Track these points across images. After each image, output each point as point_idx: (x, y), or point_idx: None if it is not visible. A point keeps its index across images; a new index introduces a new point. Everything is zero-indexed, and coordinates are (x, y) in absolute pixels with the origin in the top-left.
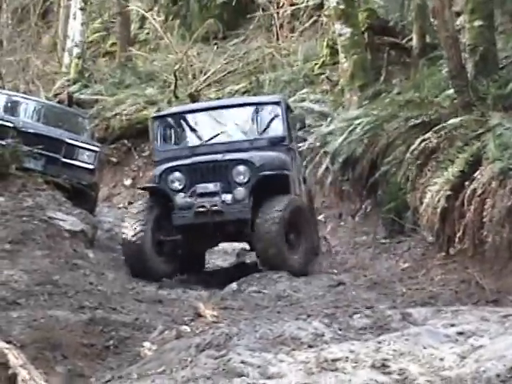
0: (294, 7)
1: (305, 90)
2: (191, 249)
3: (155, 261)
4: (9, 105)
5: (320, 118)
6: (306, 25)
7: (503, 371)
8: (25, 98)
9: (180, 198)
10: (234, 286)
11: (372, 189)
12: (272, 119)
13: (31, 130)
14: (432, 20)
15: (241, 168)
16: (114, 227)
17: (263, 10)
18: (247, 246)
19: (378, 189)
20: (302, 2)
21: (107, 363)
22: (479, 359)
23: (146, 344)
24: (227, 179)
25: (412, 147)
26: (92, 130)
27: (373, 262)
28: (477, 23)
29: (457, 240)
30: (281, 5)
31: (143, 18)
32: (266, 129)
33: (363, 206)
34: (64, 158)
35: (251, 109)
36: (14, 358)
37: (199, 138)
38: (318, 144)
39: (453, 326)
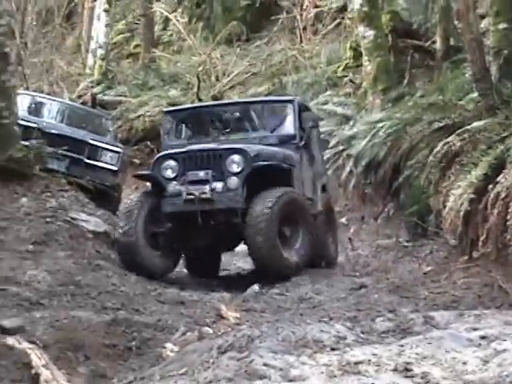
0: (317, 9)
1: (328, 93)
2: (186, 241)
3: (149, 255)
4: (33, 106)
5: (343, 121)
6: (330, 27)
7: None
8: (49, 99)
9: (171, 186)
10: (256, 288)
11: (395, 192)
12: (283, 118)
13: (55, 131)
14: (456, 22)
15: (235, 157)
16: None
17: (287, 12)
18: None
19: (401, 192)
20: (326, 5)
21: (129, 364)
22: (502, 363)
23: (168, 345)
24: (221, 168)
25: (435, 150)
26: (115, 132)
27: (395, 265)
28: (501, 26)
29: (480, 243)
30: (304, 7)
31: (167, 20)
32: (276, 127)
33: (386, 209)
34: (87, 159)
35: (263, 107)
36: (37, 358)
37: (209, 134)
38: (341, 147)
39: (476, 329)
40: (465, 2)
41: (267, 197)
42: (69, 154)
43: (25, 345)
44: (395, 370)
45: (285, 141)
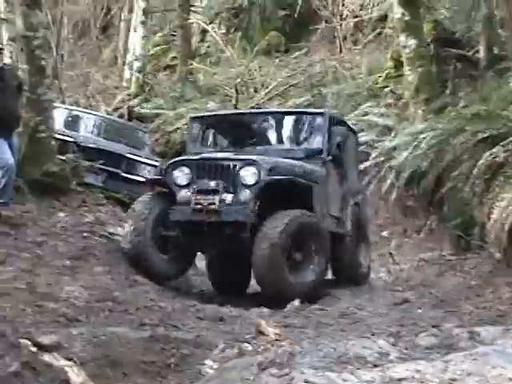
0: (357, 19)
1: (368, 104)
2: (194, 250)
3: (156, 258)
4: (69, 119)
5: (384, 132)
6: (370, 37)
7: None
8: (85, 113)
9: (182, 193)
10: (296, 303)
11: (437, 204)
12: (312, 131)
13: (92, 145)
14: (500, 31)
15: (248, 169)
16: None
17: (326, 22)
18: None
19: (444, 204)
20: (366, 14)
21: (168, 381)
22: None
23: (208, 362)
24: (233, 179)
25: (479, 162)
26: (152, 145)
27: (439, 279)
28: None
29: None
30: (344, 17)
31: (204, 32)
32: (304, 140)
33: (428, 222)
34: (124, 173)
35: (292, 118)
36: (75, 375)
37: (235, 143)
38: (382, 159)
39: None
40: (509, 10)
41: (278, 221)
42: (106, 168)
43: (62, 362)
44: None
45: (311, 155)
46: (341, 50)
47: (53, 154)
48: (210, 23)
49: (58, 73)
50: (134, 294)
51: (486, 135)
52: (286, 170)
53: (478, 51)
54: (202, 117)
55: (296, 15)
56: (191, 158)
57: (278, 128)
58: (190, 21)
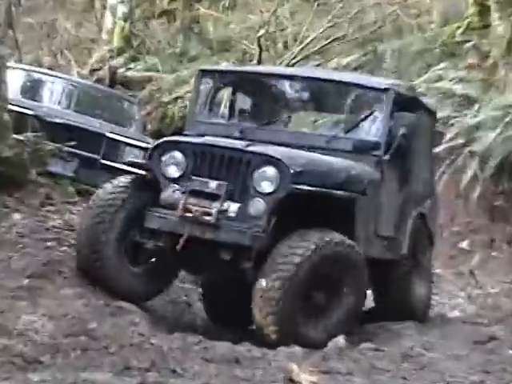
0: None
1: (442, 65)
2: (176, 267)
3: (122, 272)
4: (28, 85)
5: (463, 105)
6: None
7: None
8: (50, 76)
9: (169, 190)
10: (340, 341)
11: None
12: (368, 114)
13: (59, 121)
14: None
15: (267, 170)
16: None
17: None
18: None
19: None
20: None
21: None
22: None
23: None
24: (244, 182)
25: None
26: (143, 120)
27: None
28: None
29: None
30: None
31: None
32: (354, 126)
33: None
34: (103, 158)
35: (341, 91)
36: None
37: (258, 116)
38: (460, 141)
39: None
40: None
41: (294, 247)
42: (78, 151)
43: None
44: None
45: (362, 149)
46: None
47: (6, 133)
48: None
49: (12, 20)
50: (117, 325)
51: None
52: (319, 175)
53: None
54: (216, 72)
55: None
56: (189, 140)
57: (323, 103)
58: None
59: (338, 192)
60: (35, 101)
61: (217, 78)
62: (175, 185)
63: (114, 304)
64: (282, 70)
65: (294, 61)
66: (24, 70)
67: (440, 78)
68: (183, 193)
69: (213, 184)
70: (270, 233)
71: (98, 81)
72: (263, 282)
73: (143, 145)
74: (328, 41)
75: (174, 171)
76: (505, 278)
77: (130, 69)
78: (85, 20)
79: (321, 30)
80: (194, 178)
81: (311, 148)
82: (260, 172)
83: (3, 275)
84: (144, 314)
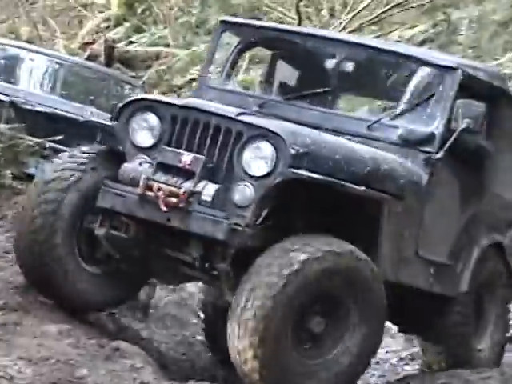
0: None
1: None
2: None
3: (75, 273)
4: (1, 63)
5: None
6: None
7: None
8: (29, 52)
9: (131, 163)
10: None
11: None
12: (424, 99)
13: (40, 109)
14: None
15: (262, 146)
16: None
17: None
18: None
19: None
20: None
21: None
22: None
23: None
24: (230, 158)
25: None
26: None
27: None
28: None
29: None
30: None
31: None
32: (405, 111)
33: None
34: None
35: (393, 65)
36: None
37: (283, 88)
38: None
39: None
40: None
41: (287, 253)
42: (64, 148)
43: None
44: None
45: (411, 141)
46: None
47: None
48: None
49: None
50: (113, 372)
51: None
52: (332, 162)
53: None
54: (242, 25)
55: None
56: (169, 101)
57: (372, 79)
58: None
59: (355, 187)
60: (10, 83)
61: (242, 33)
62: (145, 156)
63: (110, 345)
64: (321, 31)
65: (343, 31)
66: None
67: None
68: (150, 166)
69: (187, 157)
70: (259, 230)
71: (91, 58)
72: (241, 300)
73: None
74: (387, 7)
75: (144, 138)
76: None
77: (132, 42)
78: None
79: None
80: (165, 148)
81: (347, 134)
82: (251, 148)
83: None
84: (148, 358)
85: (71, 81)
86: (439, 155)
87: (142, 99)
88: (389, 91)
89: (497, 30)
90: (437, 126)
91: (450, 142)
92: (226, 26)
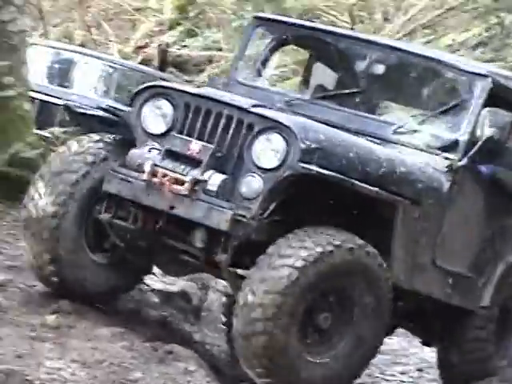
0: None
1: None
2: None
3: (83, 259)
4: (56, 67)
5: None
6: None
7: None
8: (84, 55)
9: (140, 150)
10: None
11: None
12: (453, 106)
13: (94, 112)
14: None
15: (273, 139)
16: None
17: None
18: None
19: None
20: None
21: None
22: None
23: None
24: (241, 149)
25: None
26: None
27: None
28: None
29: None
30: None
31: None
32: (431, 117)
33: None
34: None
35: (423, 69)
36: None
37: (320, 88)
38: None
39: None
40: None
41: (296, 247)
42: None
43: None
44: None
45: (435, 147)
46: None
47: (26, 127)
48: None
49: None
50: (167, 375)
51: None
52: (345, 159)
53: None
54: (276, 22)
55: None
56: (182, 87)
57: (400, 83)
58: None
59: (367, 187)
60: (64, 87)
61: (274, 30)
62: (155, 143)
63: (164, 348)
64: (353, 33)
65: (396, 36)
66: (50, 47)
67: None
68: (158, 153)
69: (195, 145)
70: (265, 224)
71: (145, 62)
72: (249, 295)
73: None
74: (440, 11)
75: (156, 125)
76: None
77: (185, 46)
78: None
79: None
80: (175, 135)
81: (372, 136)
82: (262, 140)
83: (23, 309)
84: (200, 361)
85: (125, 84)
86: (462, 163)
87: (156, 86)
88: (417, 96)
89: None
90: (462, 134)
91: (474, 150)
92: (259, 21)
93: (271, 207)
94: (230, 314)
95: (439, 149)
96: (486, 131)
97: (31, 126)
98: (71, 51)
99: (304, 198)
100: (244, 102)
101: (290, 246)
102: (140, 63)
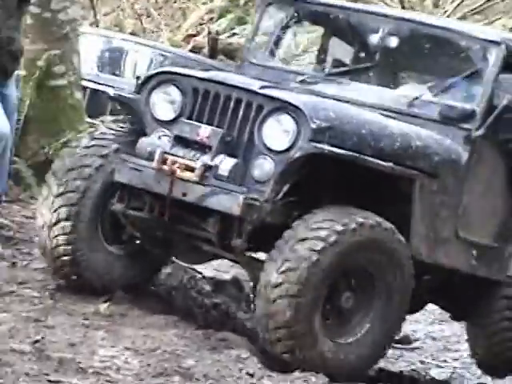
0: None
1: None
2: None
3: (101, 255)
4: (107, 55)
5: None
6: None
7: None
8: (134, 44)
9: (150, 138)
10: None
11: None
12: (468, 74)
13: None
14: None
15: (283, 120)
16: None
17: None
18: None
19: None
20: None
21: None
22: None
23: None
24: (251, 132)
25: None
26: None
27: None
28: None
29: None
30: None
31: None
32: (447, 87)
33: None
34: None
35: (436, 40)
36: None
37: (336, 64)
38: None
39: None
40: None
41: (316, 228)
42: None
43: None
44: None
45: (451, 118)
46: None
47: (78, 116)
48: None
49: None
50: (220, 363)
51: None
52: (357, 137)
53: None
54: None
55: None
56: (190, 72)
57: (414, 54)
58: None
59: (382, 163)
60: (115, 75)
61: (287, 7)
62: (165, 130)
63: (216, 335)
64: (365, 6)
65: None
66: (101, 36)
67: None
68: (168, 140)
69: (204, 130)
70: (279, 206)
71: (195, 50)
72: (272, 274)
73: None
74: None
75: (165, 112)
76: None
77: (235, 34)
78: None
79: None
80: (183, 120)
81: (387, 110)
82: (272, 121)
83: (75, 298)
84: (253, 348)
85: None
86: (480, 132)
87: (164, 72)
88: (432, 67)
89: None
90: (478, 103)
91: (491, 119)
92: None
93: (284, 189)
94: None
95: (456, 119)
96: (503, 99)
97: (83, 115)
98: (122, 39)
99: (319, 177)
100: (253, 83)
101: (309, 228)
102: (190, 51)
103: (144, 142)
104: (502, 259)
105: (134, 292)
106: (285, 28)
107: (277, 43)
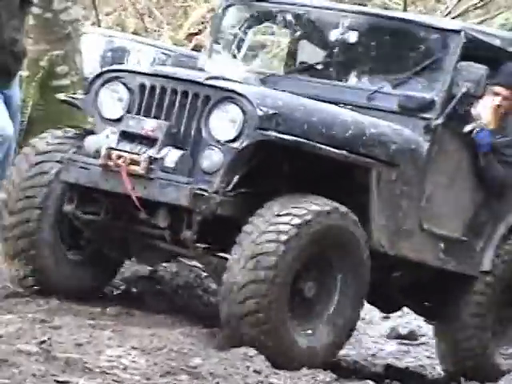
0: None
1: None
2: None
3: (60, 262)
4: (109, 55)
5: None
6: None
7: None
8: (136, 43)
9: (97, 136)
10: None
11: None
12: (426, 64)
13: None
14: None
15: (229, 109)
16: None
17: None
18: None
19: None
20: None
21: None
22: None
23: None
24: (198, 123)
25: None
26: None
27: None
28: None
29: None
30: None
31: None
32: (406, 79)
33: None
34: None
35: (395, 31)
36: None
37: (290, 63)
38: None
39: None
40: None
41: (279, 215)
42: None
43: None
44: None
45: (410, 108)
46: None
47: (81, 116)
48: None
49: None
50: (227, 361)
51: None
52: (307, 124)
53: None
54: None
55: None
56: (136, 69)
57: (374, 48)
58: None
59: (333, 150)
60: None
61: (247, 8)
62: (113, 128)
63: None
64: (324, 2)
65: (447, 16)
66: (104, 35)
67: None
68: (116, 137)
69: (149, 124)
70: (231, 197)
71: (197, 48)
72: (238, 274)
73: None
74: None
75: (114, 110)
76: None
77: None
78: None
79: None
80: (129, 116)
81: (348, 105)
82: (219, 112)
83: (81, 298)
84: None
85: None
86: (439, 121)
87: (110, 70)
88: (393, 59)
89: None
90: (438, 92)
91: (450, 107)
92: (230, 1)
93: (235, 180)
94: None
95: (415, 109)
96: (461, 86)
97: (86, 116)
98: (124, 39)
99: (272, 168)
100: (198, 75)
101: (268, 221)
102: (192, 49)
103: (90, 140)
104: (473, 254)
105: (140, 291)
106: (246, 29)
107: (238, 45)
